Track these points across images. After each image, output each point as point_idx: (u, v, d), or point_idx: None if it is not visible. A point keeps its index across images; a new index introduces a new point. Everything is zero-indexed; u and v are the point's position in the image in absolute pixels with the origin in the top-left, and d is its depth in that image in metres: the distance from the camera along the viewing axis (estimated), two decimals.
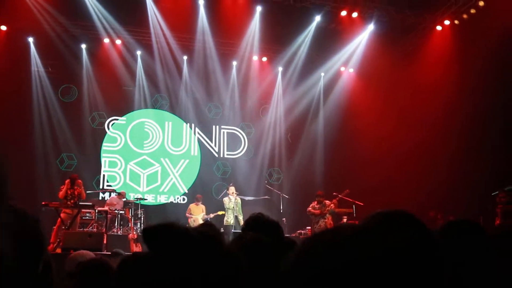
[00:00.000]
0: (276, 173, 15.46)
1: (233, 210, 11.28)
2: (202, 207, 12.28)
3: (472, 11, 12.21)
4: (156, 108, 14.73)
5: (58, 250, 8.46)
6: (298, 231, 11.95)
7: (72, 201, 10.01)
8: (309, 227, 11.75)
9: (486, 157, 11.58)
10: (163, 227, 0.99)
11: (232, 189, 11.60)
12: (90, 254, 3.49)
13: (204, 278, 0.91)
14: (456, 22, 12.81)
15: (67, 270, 3.21)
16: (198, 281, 0.90)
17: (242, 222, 10.92)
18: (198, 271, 0.91)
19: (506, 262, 2.20)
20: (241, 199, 11.89)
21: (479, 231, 2.14)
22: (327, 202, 10.91)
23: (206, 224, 3.55)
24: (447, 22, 12.93)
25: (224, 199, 11.71)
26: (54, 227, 9.85)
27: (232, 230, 10.37)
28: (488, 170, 11.38)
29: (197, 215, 12.04)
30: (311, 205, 11.07)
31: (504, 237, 2.40)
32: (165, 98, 14.78)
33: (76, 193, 10.22)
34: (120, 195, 12.03)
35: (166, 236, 0.97)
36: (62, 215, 9.78)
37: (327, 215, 10.89)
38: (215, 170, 14.86)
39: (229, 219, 11.30)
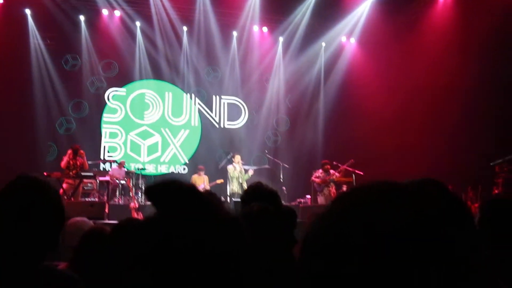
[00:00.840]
0: (274, 143, 15.46)
1: (238, 179, 11.36)
2: (204, 177, 12.37)
3: None
4: (156, 79, 14.70)
5: None
6: (298, 200, 12.06)
7: (74, 171, 10.11)
8: (309, 196, 11.85)
9: (486, 127, 11.59)
10: (169, 184, 0.95)
11: (238, 158, 11.67)
12: (86, 221, 3.52)
13: (210, 243, 0.86)
14: None
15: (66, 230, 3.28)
16: (203, 245, 0.86)
17: None
18: (204, 235, 0.87)
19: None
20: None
21: None
22: (332, 171, 11.02)
23: (207, 192, 3.61)
24: None
25: (228, 167, 11.76)
26: None
27: (234, 199, 10.48)
28: (487, 141, 11.40)
29: (199, 185, 12.14)
30: (315, 174, 11.16)
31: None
32: (165, 69, 14.72)
33: (78, 163, 10.32)
34: (120, 164, 12.13)
35: (173, 193, 0.94)
36: (64, 185, 9.90)
37: (331, 184, 10.99)
38: (216, 140, 14.90)
39: (234, 187, 11.39)
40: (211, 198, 1.00)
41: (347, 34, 15.01)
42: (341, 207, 0.71)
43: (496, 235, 2.22)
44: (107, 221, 8.50)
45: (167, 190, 0.94)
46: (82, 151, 10.57)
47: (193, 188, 0.98)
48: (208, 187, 12.17)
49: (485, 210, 2.45)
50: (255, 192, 2.76)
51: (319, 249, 0.68)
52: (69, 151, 10.45)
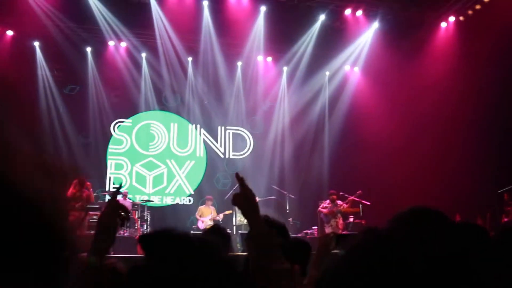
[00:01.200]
0: (280, 173, 15.40)
1: None
2: (211, 208, 12.29)
3: (477, 6, 12.17)
4: (161, 110, 14.76)
5: None
6: (304, 231, 11.92)
7: (80, 203, 10.04)
8: (316, 227, 11.72)
9: (493, 154, 11.52)
10: (160, 234, 1.00)
11: None
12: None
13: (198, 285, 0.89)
14: (461, 18, 12.75)
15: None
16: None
17: None
18: (193, 279, 0.89)
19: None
20: None
21: None
22: (339, 202, 10.93)
23: (214, 229, 3.56)
24: (452, 19, 12.88)
25: None
26: None
27: (240, 232, 10.36)
28: (495, 168, 11.32)
29: (206, 216, 12.05)
30: (322, 205, 11.06)
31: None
32: (170, 100, 14.81)
33: (84, 195, 10.25)
34: (125, 196, 12.04)
35: (164, 243, 0.97)
36: (69, 218, 9.81)
37: (338, 215, 10.89)
38: (221, 171, 14.85)
39: (242, 218, 11.28)
40: (204, 245, 1.01)
41: (351, 63, 15.10)
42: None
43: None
44: (112, 254, 8.40)
45: (159, 239, 0.98)
46: (88, 183, 10.52)
47: (185, 236, 1.01)
48: (217, 218, 12.06)
49: (501, 239, 2.39)
50: None
51: None
52: (75, 181, 10.39)
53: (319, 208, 11.05)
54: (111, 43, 13.62)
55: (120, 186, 1.79)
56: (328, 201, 11.01)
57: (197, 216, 12.14)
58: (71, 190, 10.22)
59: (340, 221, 10.82)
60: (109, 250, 1.68)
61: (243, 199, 1.84)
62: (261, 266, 1.54)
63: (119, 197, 11.45)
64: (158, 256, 0.94)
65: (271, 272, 1.52)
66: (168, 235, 0.99)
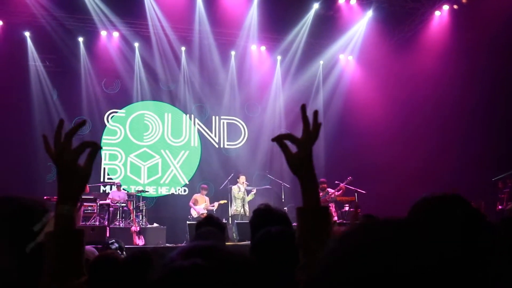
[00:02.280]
0: (275, 162, 15.41)
1: (242, 200, 11.24)
2: (205, 198, 12.28)
3: None
4: (155, 100, 14.68)
5: None
6: None
7: None
8: None
9: (487, 143, 11.57)
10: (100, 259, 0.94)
11: (242, 178, 11.59)
12: (93, 251, 3.44)
13: None
14: (455, 6, 12.72)
15: None
16: None
17: (248, 213, 10.92)
18: None
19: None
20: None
21: None
22: (330, 190, 10.87)
23: (209, 219, 3.52)
24: (446, 7, 12.85)
25: (233, 187, 11.67)
26: None
27: (236, 221, 10.36)
28: (488, 156, 11.38)
29: (201, 205, 12.04)
30: None
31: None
32: (164, 90, 14.74)
33: None
34: (118, 187, 12.00)
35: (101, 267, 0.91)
36: None
37: (330, 202, 10.87)
38: (216, 161, 14.83)
39: (238, 208, 11.28)
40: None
41: (345, 52, 15.07)
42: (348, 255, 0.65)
43: None
44: None
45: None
46: None
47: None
48: (210, 207, 12.05)
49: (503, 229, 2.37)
50: (265, 215, 2.69)
51: None
52: None
53: None
54: (103, 33, 13.48)
55: (83, 123, 1.42)
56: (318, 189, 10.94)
57: (191, 204, 12.10)
58: None
59: (333, 209, 10.80)
60: (79, 197, 1.36)
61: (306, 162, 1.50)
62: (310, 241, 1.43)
63: (114, 189, 11.38)
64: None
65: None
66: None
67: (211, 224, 3.44)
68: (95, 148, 1.39)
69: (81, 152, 1.40)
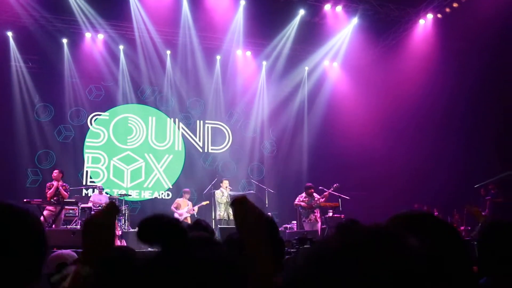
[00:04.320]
0: (259, 168, 15.41)
1: (226, 204, 11.18)
2: (188, 202, 12.20)
3: (455, 4, 12.31)
4: (139, 103, 14.58)
5: None
6: (284, 226, 11.94)
7: (55, 198, 9.85)
8: (295, 221, 11.73)
9: (470, 150, 11.72)
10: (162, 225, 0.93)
11: (226, 183, 11.53)
12: (72, 255, 3.35)
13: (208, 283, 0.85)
14: (439, 15, 12.90)
15: (46, 272, 3.10)
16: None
17: (231, 217, 10.86)
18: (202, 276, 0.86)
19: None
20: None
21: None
22: (316, 195, 10.83)
23: (199, 224, 3.48)
24: (430, 16, 13.01)
25: (216, 191, 11.61)
26: None
27: (219, 226, 10.30)
28: (470, 163, 11.51)
29: (183, 209, 11.96)
30: (299, 198, 10.94)
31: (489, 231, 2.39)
32: (148, 93, 14.64)
33: (61, 189, 10.06)
34: (100, 190, 11.84)
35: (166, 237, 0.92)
36: (44, 212, 9.63)
37: (316, 208, 10.82)
38: (200, 165, 14.76)
39: (221, 212, 11.21)
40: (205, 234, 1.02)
41: (330, 58, 15.15)
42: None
43: (500, 260, 2.14)
44: None
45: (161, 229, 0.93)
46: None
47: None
48: (192, 211, 11.98)
49: (486, 235, 2.38)
50: None
51: None
52: (55, 180, 10.15)
53: (296, 202, 10.92)
54: (88, 35, 13.36)
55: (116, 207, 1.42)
56: (304, 194, 10.91)
57: (173, 208, 12.00)
58: (53, 189, 9.98)
59: (318, 215, 10.77)
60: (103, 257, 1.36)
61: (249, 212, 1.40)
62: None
63: (96, 192, 11.20)
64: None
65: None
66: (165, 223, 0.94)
67: (200, 229, 3.39)
68: (116, 211, 1.41)
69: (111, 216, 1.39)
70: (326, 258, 0.68)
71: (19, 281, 1.27)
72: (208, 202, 12.16)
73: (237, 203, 1.37)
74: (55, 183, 10.05)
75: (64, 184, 10.15)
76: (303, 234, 9.35)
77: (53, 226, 9.42)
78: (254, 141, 15.38)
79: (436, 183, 11.82)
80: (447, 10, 12.57)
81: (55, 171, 10.32)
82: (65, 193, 9.99)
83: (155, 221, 0.94)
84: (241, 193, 12.59)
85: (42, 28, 12.61)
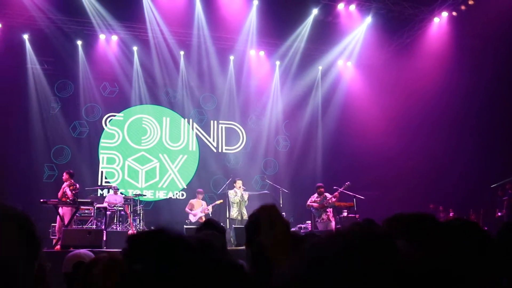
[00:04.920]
0: (274, 167, 15.40)
1: (239, 204, 11.18)
2: (202, 202, 12.23)
3: (470, 2, 12.17)
4: (153, 104, 14.65)
5: (57, 248, 8.41)
6: (298, 226, 11.91)
7: (63, 198, 9.87)
8: (309, 221, 11.69)
9: (484, 150, 11.59)
10: (153, 234, 0.88)
11: (239, 183, 11.51)
12: (89, 254, 3.36)
13: None
14: (454, 13, 12.76)
15: (63, 271, 3.13)
16: None
17: (245, 216, 10.87)
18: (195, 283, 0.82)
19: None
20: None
21: None
22: (328, 195, 10.79)
23: (209, 223, 3.49)
24: (445, 14, 12.88)
25: (229, 191, 11.60)
26: (55, 224, 9.87)
27: (233, 226, 10.31)
28: (486, 163, 11.38)
29: (198, 209, 11.99)
30: (311, 198, 10.94)
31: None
32: (162, 94, 14.71)
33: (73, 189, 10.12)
34: (115, 190, 11.91)
35: (157, 246, 0.87)
36: (60, 211, 9.72)
37: (328, 208, 10.78)
38: (214, 165, 14.79)
39: (234, 212, 11.20)
40: (202, 247, 0.90)
41: (344, 58, 15.08)
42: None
43: None
44: (105, 249, 8.33)
45: (153, 242, 0.87)
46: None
47: (180, 237, 0.90)
48: (207, 210, 12.01)
49: (504, 236, 2.37)
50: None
51: None
52: (67, 176, 10.20)
53: (308, 203, 10.91)
54: (102, 37, 13.47)
55: None
56: (316, 194, 10.88)
57: (187, 210, 12.05)
58: (68, 188, 10.04)
59: (331, 214, 10.72)
60: None
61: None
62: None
63: (111, 193, 11.25)
64: (151, 261, 0.84)
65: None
66: (161, 236, 0.89)
67: (212, 228, 3.41)
68: None
69: None
70: (315, 263, 0.68)
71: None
72: (222, 201, 12.18)
73: (264, 210, 1.35)
74: (64, 184, 10.13)
75: (74, 183, 10.16)
76: (312, 232, 9.34)
77: (70, 226, 9.50)
78: (268, 141, 15.37)
79: (452, 183, 11.70)
80: (462, 7, 12.44)
81: (64, 173, 10.38)
82: (69, 193, 9.95)
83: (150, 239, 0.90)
84: (255, 193, 12.59)
85: (57, 30, 12.74)
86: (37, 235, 1.32)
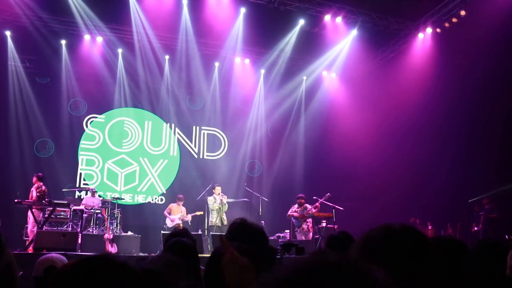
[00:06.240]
0: (256, 175, 15.37)
1: (218, 211, 11.11)
2: (182, 208, 12.12)
3: (454, 20, 12.35)
4: (136, 107, 14.52)
5: (30, 250, 8.22)
6: (277, 234, 11.88)
7: (47, 199, 9.73)
8: (288, 231, 11.68)
9: (465, 164, 11.72)
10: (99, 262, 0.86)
11: (218, 189, 11.44)
12: (61, 258, 3.26)
13: None
14: (438, 30, 12.93)
15: (33, 275, 3.04)
16: None
17: (225, 222, 10.83)
18: None
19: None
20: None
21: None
22: (308, 205, 10.85)
23: (184, 233, 3.48)
24: (429, 30, 13.05)
25: (208, 198, 11.52)
26: (27, 225, 9.72)
27: (211, 233, 10.22)
28: (466, 178, 11.50)
29: (176, 215, 11.88)
30: (291, 209, 11.03)
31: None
32: (145, 97, 14.59)
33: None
34: (93, 193, 11.74)
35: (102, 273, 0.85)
36: (35, 212, 9.56)
37: (308, 218, 10.86)
38: (194, 171, 14.70)
39: (214, 219, 11.12)
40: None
41: (328, 69, 15.16)
42: None
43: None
44: (79, 252, 8.19)
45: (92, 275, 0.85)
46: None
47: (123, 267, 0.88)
48: (186, 218, 11.91)
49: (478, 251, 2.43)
50: (239, 231, 2.60)
51: None
52: (36, 179, 10.12)
53: (289, 213, 11.01)
54: (87, 37, 13.32)
55: None
56: (296, 205, 10.99)
57: (166, 213, 11.94)
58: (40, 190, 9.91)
59: (310, 225, 10.81)
60: None
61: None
62: None
63: (89, 195, 11.13)
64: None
65: None
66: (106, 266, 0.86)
67: (187, 236, 3.40)
68: None
69: None
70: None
71: None
72: (202, 212, 12.08)
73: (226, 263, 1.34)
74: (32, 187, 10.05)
75: (41, 186, 10.07)
76: (290, 241, 9.34)
77: (44, 227, 9.32)
78: (250, 149, 15.34)
79: (431, 197, 11.81)
80: (447, 25, 12.61)
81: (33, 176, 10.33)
82: (33, 195, 9.90)
83: None
84: (235, 200, 12.52)
85: (41, 28, 12.55)
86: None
